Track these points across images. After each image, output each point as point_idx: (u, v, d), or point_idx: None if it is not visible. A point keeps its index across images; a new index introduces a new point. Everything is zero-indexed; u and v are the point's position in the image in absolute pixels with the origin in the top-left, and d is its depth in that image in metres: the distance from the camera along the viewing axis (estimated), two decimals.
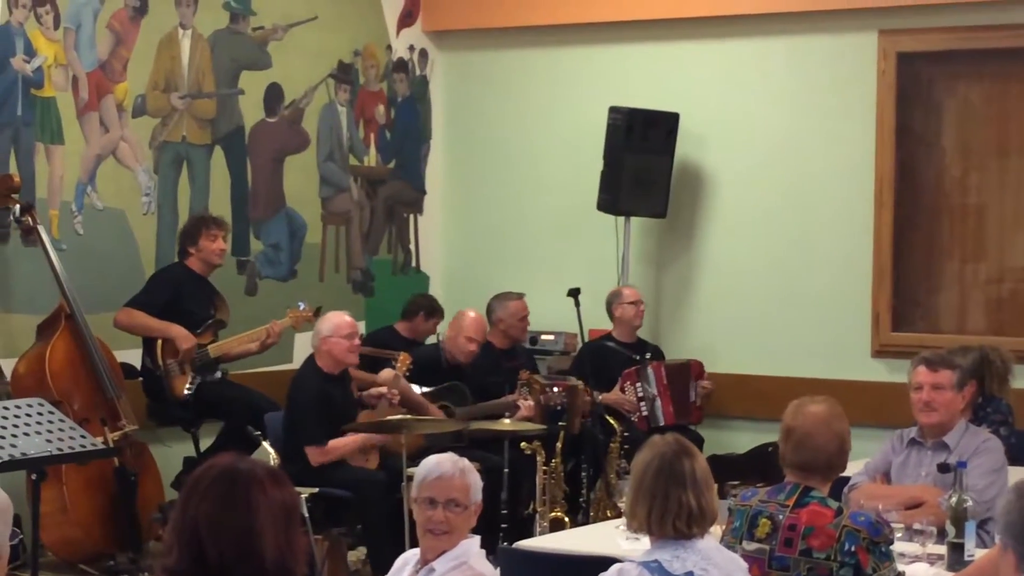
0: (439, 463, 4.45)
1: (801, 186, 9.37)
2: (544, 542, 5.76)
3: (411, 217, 10.38)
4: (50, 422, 5.76)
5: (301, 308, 8.48)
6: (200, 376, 8.01)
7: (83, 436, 5.83)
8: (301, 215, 9.51)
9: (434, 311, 9.28)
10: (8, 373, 7.60)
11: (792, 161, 9.39)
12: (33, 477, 5.67)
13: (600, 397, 8.72)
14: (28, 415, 5.73)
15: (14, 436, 5.54)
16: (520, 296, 9.29)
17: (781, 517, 4.49)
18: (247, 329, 8.43)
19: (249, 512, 3.05)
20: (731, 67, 9.54)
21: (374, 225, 10.06)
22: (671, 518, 4.13)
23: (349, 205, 9.86)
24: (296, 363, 9.20)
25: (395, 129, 10.19)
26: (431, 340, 9.31)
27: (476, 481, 4.45)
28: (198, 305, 8.19)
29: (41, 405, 5.90)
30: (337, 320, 7.83)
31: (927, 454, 5.90)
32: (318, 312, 8.47)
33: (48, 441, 5.64)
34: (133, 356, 8.11)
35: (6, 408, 5.76)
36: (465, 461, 4.47)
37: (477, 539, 4.44)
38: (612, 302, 9.18)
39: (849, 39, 9.20)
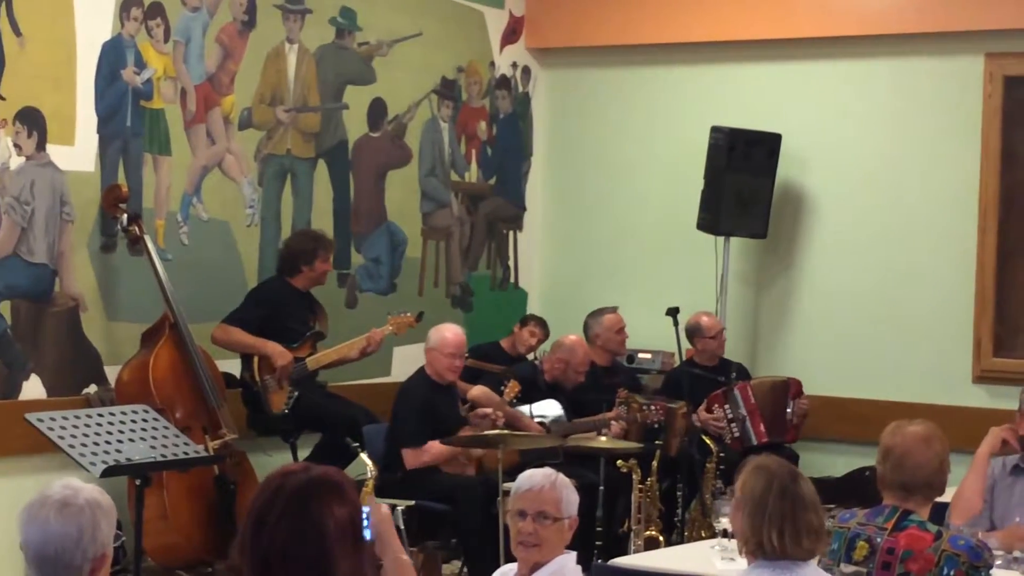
0: (531, 476, 4.47)
1: (903, 209, 9.31)
2: (639, 560, 5.77)
3: (510, 233, 10.42)
4: (155, 428, 5.84)
5: (403, 314, 8.53)
6: (298, 389, 8.08)
7: (186, 444, 5.91)
8: (402, 229, 9.58)
9: (527, 320, 9.35)
10: (112, 380, 7.73)
11: (895, 184, 9.33)
12: (137, 483, 5.74)
13: (700, 419, 8.71)
14: (133, 421, 5.82)
15: (119, 442, 5.63)
16: (614, 309, 9.33)
17: (879, 540, 4.47)
18: (345, 341, 8.49)
19: (321, 539, 3.05)
20: (835, 88, 9.51)
21: (474, 241, 10.11)
22: (802, 539, 4.10)
23: (449, 220, 9.92)
24: (395, 376, 9.31)
25: (496, 145, 10.25)
26: (525, 348, 9.34)
27: (569, 495, 4.46)
28: (297, 320, 8.26)
29: (146, 412, 5.98)
30: (445, 335, 7.90)
31: None
32: (420, 317, 8.53)
33: (152, 447, 5.72)
34: (234, 365, 8.20)
35: (112, 414, 5.85)
36: (560, 475, 4.49)
37: (573, 555, 4.45)
38: (693, 334, 9.16)
39: (955, 62, 9.14)
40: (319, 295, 8.64)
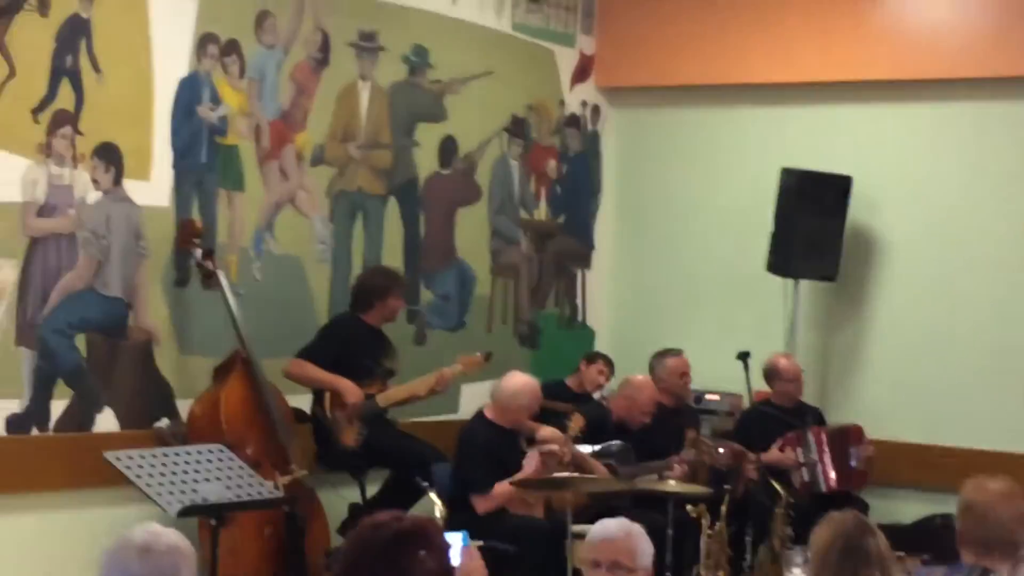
0: (606, 526, 4.46)
1: (976, 253, 9.25)
2: None
3: (579, 271, 10.43)
4: (230, 468, 5.87)
5: (473, 354, 8.55)
6: (368, 426, 8.10)
7: (261, 484, 5.93)
8: (471, 267, 9.60)
9: (593, 357, 9.34)
10: (184, 414, 7.78)
11: (968, 228, 9.28)
12: (212, 523, 5.77)
13: (763, 457, 8.67)
14: (209, 460, 5.85)
15: (195, 481, 5.66)
16: (678, 353, 9.30)
17: None
18: (415, 377, 8.51)
19: None
20: (907, 131, 9.47)
21: (542, 279, 10.12)
22: None
23: (518, 258, 9.93)
24: (462, 413, 9.32)
25: (565, 184, 10.26)
26: (593, 386, 9.33)
27: (644, 546, 4.45)
28: (369, 357, 8.28)
29: (221, 451, 6.01)
30: (520, 386, 7.89)
31: None
32: (489, 357, 8.55)
33: (227, 488, 5.75)
34: (303, 400, 8.23)
35: (188, 453, 5.89)
36: (635, 526, 4.48)
37: None
38: (770, 376, 9.13)
39: None
40: (388, 331, 8.66)
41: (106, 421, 7.58)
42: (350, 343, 8.17)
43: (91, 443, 7.43)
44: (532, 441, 8.16)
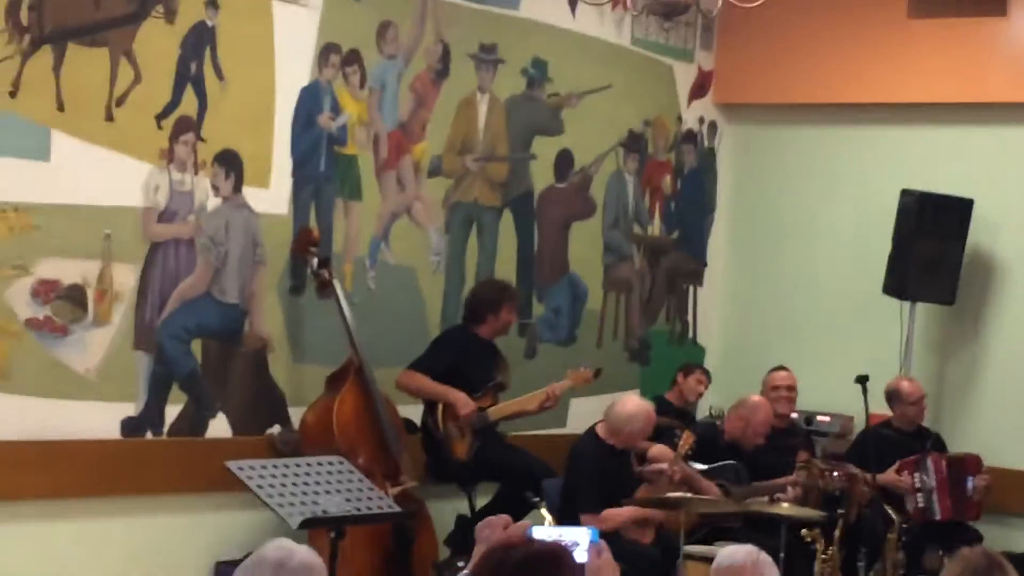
0: (733, 553, 4.40)
1: None
2: None
3: (691, 288, 10.36)
4: (349, 481, 5.88)
5: (582, 369, 8.52)
6: (480, 439, 8.09)
7: (380, 498, 5.93)
8: (584, 281, 9.56)
9: (691, 368, 9.28)
10: (295, 421, 7.81)
11: None
12: (332, 535, 5.77)
13: (878, 477, 8.56)
14: (329, 472, 5.86)
15: (316, 493, 5.68)
16: (781, 367, 9.21)
17: None
18: (525, 390, 8.50)
19: None
20: None
21: (654, 295, 10.06)
22: None
23: (631, 273, 9.89)
24: (570, 428, 9.29)
25: (680, 200, 10.20)
26: (710, 414, 9.26)
27: (772, 574, 4.38)
28: (480, 369, 8.27)
29: (341, 463, 6.02)
30: (636, 410, 7.85)
31: None
32: (598, 374, 8.52)
33: (347, 500, 5.75)
34: (413, 411, 8.23)
35: (308, 464, 5.90)
36: (763, 554, 4.41)
37: None
38: (892, 399, 9.01)
39: None
40: (500, 344, 8.65)
41: (219, 426, 7.64)
42: (462, 355, 8.16)
43: (204, 448, 7.52)
44: (642, 459, 8.10)
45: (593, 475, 7.66)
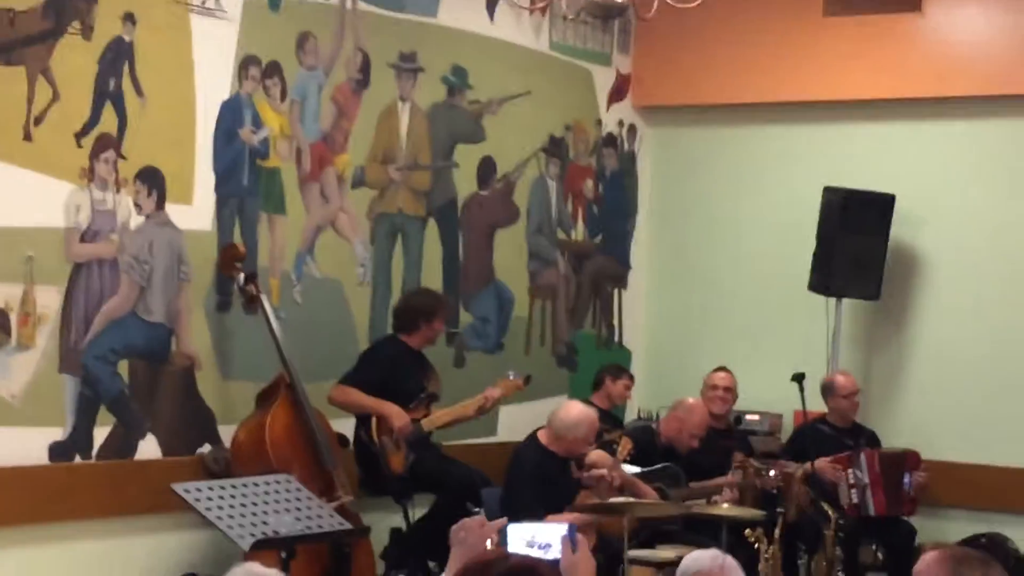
0: (698, 559, 4.37)
1: (1020, 272, 9.16)
2: None
3: (615, 292, 10.34)
4: (297, 499, 5.78)
5: (511, 377, 8.48)
6: (415, 451, 8.01)
7: (331, 515, 5.84)
8: (509, 288, 9.52)
9: (619, 372, 9.26)
10: (226, 439, 7.69)
11: (1012, 247, 9.21)
12: (283, 555, 5.67)
13: (815, 464, 8.57)
14: (276, 491, 5.76)
15: (264, 513, 5.57)
16: (719, 369, 9.23)
17: None
18: (455, 399, 8.44)
19: None
20: (951, 149, 9.39)
21: (580, 299, 10.04)
22: None
23: (556, 279, 9.85)
24: (500, 436, 9.27)
25: (603, 204, 10.18)
26: (640, 418, 9.26)
27: None
28: (412, 380, 8.20)
29: (289, 482, 5.92)
30: (580, 417, 7.81)
31: None
32: (528, 380, 8.49)
33: (297, 519, 5.65)
34: (345, 425, 8.14)
35: (256, 484, 5.79)
36: (729, 558, 4.38)
37: None
38: (827, 392, 9.05)
39: None
40: (428, 354, 8.58)
41: (148, 448, 7.51)
42: (394, 367, 8.08)
43: (134, 470, 7.40)
44: (580, 465, 8.06)
45: (534, 481, 7.61)
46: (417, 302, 8.34)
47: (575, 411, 7.93)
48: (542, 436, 7.89)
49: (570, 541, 3.60)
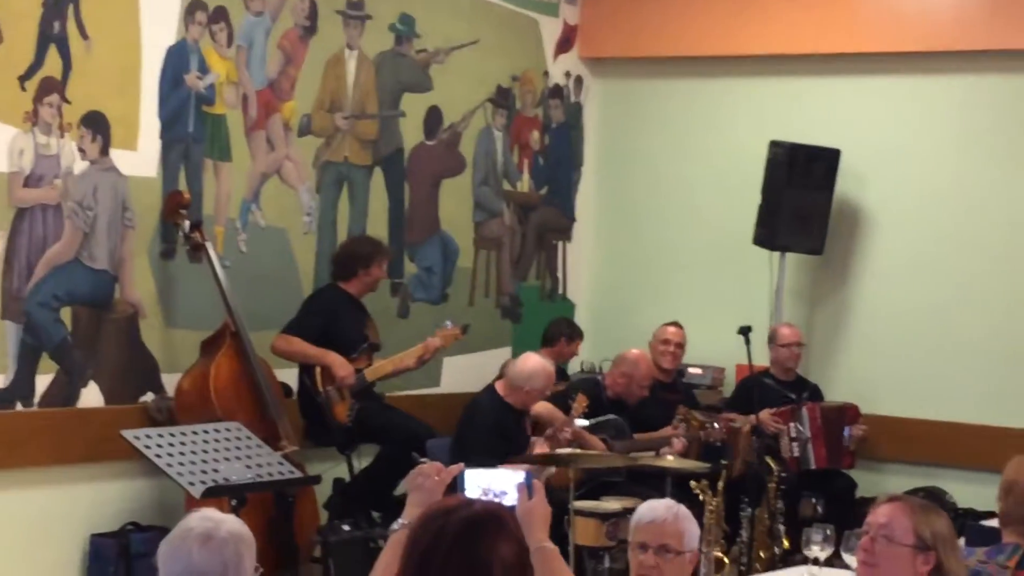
0: (652, 508, 4.37)
1: (964, 229, 9.21)
2: None
3: (560, 244, 10.33)
4: (248, 447, 5.74)
5: (448, 327, 8.47)
6: (359, 401, 7.99)
7: (280, 463, 5.81)
8: (455, 239, 9.48)
9: (575, 335, 9.25)
10: (169, 388, 7.64)
11: (956, 203, 9.24)
12: (233, 503, 5.64)
13: (759, 416, 8.60)
14: (227, 439, 5.72)
15: (215, 461, 5.53)
16: (671, 323, 9.24)
17: None
18: (398, 350, 8.41)
19: None
20: (896, 105, 9.41)
21: (524, 251, 10.01)
22: None
23: (501, 230, 9.82)
24: (444, 387, 9.25)
25: (548, 155, 10.15)
26: (583, 369, 9.26)
27: (691, 528, 4.37)
28: (353, 329, 8.17)
29: (239, 430, 5.88)
30: (536, 369, 7.79)
31: None
32: (466, 330, 8.47)
33: (248, 467, 5.62)
34: (287, 375, 8.10)
35: (206, 432, 5.74)
36: (682, 508, 4.40)
37: None
38: (770, 341, 9.10)
39: (1019, 80, 9.05)
40: (372, 305, 8.56)
41: (91, 396, 7.45)
42: (334, 316, 8.04)
43: (77, 418, 7.34)
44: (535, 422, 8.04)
45: (489, 430, 7.62)
46: (354, 248, 8.29)
47: (532, 362, 7.92)
48: (499, 387, 7.88)
49: (527, 488, 3.59)
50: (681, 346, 9.25)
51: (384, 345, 8.44)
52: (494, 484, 3.56)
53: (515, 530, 3.03)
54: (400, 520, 3.59)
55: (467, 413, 7.90)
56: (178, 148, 7.78)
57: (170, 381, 7.65)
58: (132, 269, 7.58)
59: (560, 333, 9.26)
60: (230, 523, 3.30)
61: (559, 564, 3.57)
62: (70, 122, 7.24)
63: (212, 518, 3.31)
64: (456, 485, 3.56)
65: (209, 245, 7.59)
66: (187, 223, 7.57)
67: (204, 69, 7.87)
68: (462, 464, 3.72)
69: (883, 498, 4.15)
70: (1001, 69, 9.09)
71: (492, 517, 3.02)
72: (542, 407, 8.10)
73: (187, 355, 7.70)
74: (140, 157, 7.59)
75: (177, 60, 7.74)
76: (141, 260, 7.64)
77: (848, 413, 9.09)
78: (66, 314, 7.30)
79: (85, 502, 7.42)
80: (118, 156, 7.48)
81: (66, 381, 7.30)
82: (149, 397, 7.64)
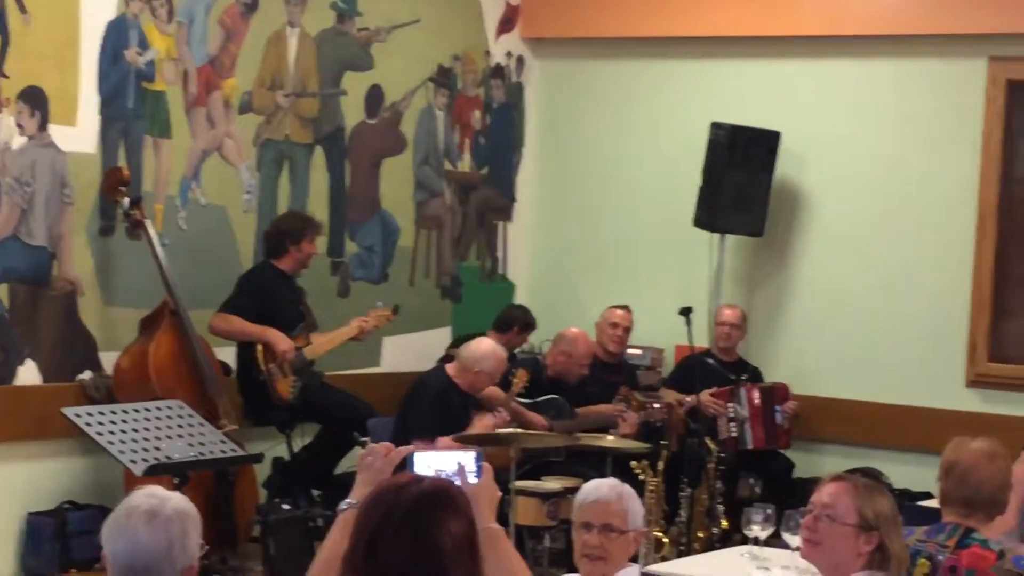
0: (597, 487, 4.38)
1: (901, 211, 9.26)
2: (677, 568, 5.69)
3: (500, 224, 10.32)
4: (190, 425, 5.71)
5: (380, 306, 8.47)
6: (301, 378, 7.96)
7: (223, 441, 5.78)
8: (395, 218, 9.46)
9: (529, 325, 9.21)
10: (108, 366, 7.58)
11: (894, 185, 9.29)
12: (175, 481, 5.60)
13: (699, 397, 8.63)
14: (169, 417, 5.68)
15: (157, 439, 5.50)
16: (620, 306, 9.25)
17: (941, 558, 4.40)
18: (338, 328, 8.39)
19: (439, 558, 2.94)
20: (836, 88, 9.45)
21: (465, 231, 10.00)
22: None
23: (442, 210, 9.81)
24: (384, 366, 9.25)
25: (489, 135, 10.13)
26: (523, 349, 9.27)
27: (635, 507, 4.38)
28: (289, 306, 8.15)
29: (180, 407, 5.85)
30: (487, 353, 7.79)
31: None
32: (396, 310, 8.48)
33: (190, 445, 5.59)
34: (227, 354, 8.06)
35: (147, 409, 5.71)
36: (627, 487, 4.41)
37: (636, 568, 4.37)
38: (714, 319, 9.14)
39: (958, 65, 9.10)
40: (313, 284, 8.53)
41: (28, 373, 7.39)
42: (268, 292, 8.00)
43: (13, 396, 7.28)
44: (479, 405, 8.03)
45: (435, 406, 7.63)
46: (284, 225, 8.24)
47: (485, 346, 7.91)
48: (450, 369, 7.87)
49: (477, 468, 3.59)
50: (628, 330, 9.26)
51: (325, 324, 8.42)
52: (444, 465, 3.55)
53: (465, 507, 3.02)
54: (348, 499, 3.58)
55: (413, 390, 7.90)
56: (118, 124, 7.72)
57: (108, 359, 7.60)
58: (70, 246, 7.53)
59: (515, 321, 9.17)
60: (176, 500, 3.28)
61: (505, 545, 3.57)
62: (8, 97, 7.18)
63: (157, 495, 3.29)
64: (406, 466, 3.54)
65: (148, 222, 7.54)
66: (126, 200, 7.52)
67: (144, 45, 7.81)
68: (413, 446, 3.71)
69: (828, 477, 4.18)
70: (938, 53, 9.15)
71: (442, 494, 3.01)
72: (488, 389, 8.10)
73: (126, 333, 7.65)
74: (79, 133, 7.53)
75: (117, 35, 7.67)
76: (80, 237, 7.58)
77: (778, 392, 9.14)
78: (3, 291, 7.25)
79: (21, 480, 7.36)
80: (57, 132, 7.43)
81: (3, 358, 7.25)
82: (87, 375, 7.59)
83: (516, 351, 9.53)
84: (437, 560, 2.91)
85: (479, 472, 3.55)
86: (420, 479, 3.06)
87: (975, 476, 4.46)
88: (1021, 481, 5.61)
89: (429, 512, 2.96)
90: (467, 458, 3.57)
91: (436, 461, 3.55)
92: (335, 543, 3.42)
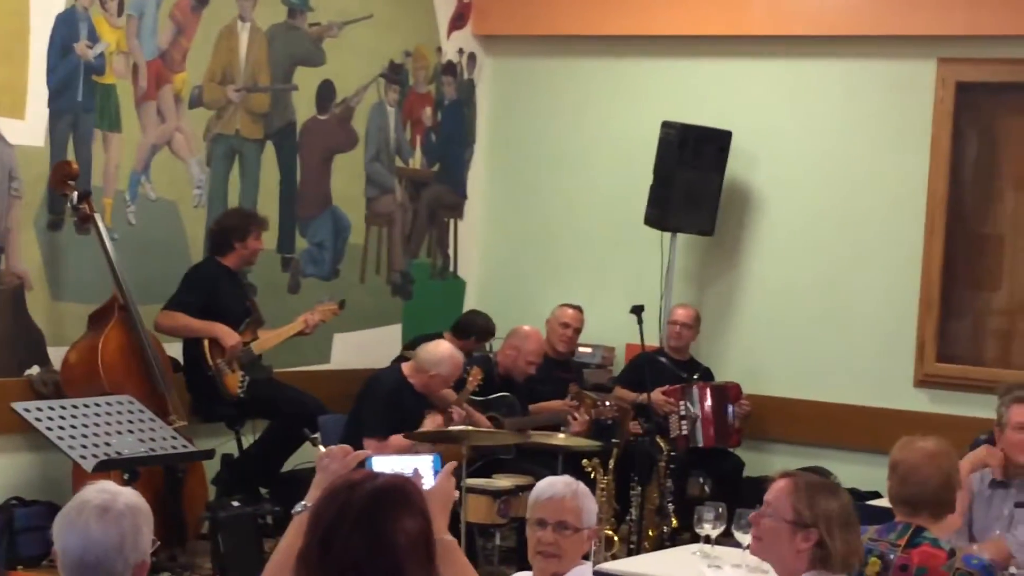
0: (551, 484, 4.37)
1: (851, 210, 9.30)
2: (629, 567, 5.69)
3: (451, 221, 10.30)
4: (140, 421, 5.67)
5: (326, 301, 8.46)
6: (249, 373, 7.92)
7: (173, 437, 5.74)
8: (346, 215, 9.42)
9: (488, 334, 9.15)
10: (55, 362, 7.53)
11: (843, 185, 9.33)
12: (125, 477, 5.56)
13: (650, 395, 8.64)
14: (119, 412, 5.64)
15: (107, 434, 5.45)
16: (571, 305, 9.23)
17: (892, 557, 4.41)
18: (286, 324, 8.36)
19: (393, 554, 2.91)
20: (786, 88, 9.48)
21: (416, 228, 9.97)
22: None
23: (393, 207, 9.78)
24: (333, 363, 9.21)
25: (441, 132, 10.11)
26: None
27: (589, 505, 4.37)
28: (235, 301, 8.12)
29: (131, 403, 5.81)
30: (445, 356, 7.75)
31: (1011, 493, 5.85)
32: (342, 305, 8.47)
33: (141, 441, 5.54)
34: (174, 350, 8.01)
35: (97, 404, 5.66)
36: (581, 485, 4.40)
37: (589, 565, 4.37)
38: (666, 318, 9.16)
39: (907, 66, 9.14)
40: (263, 280, 8.49)
41: None
42: (215, 288, 7.97)
43: None
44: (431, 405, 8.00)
45: (388, 404, 7.59)
46: (228, 222, 8.21)
47: (442, 349, 7.86)
48: (406, 368, 7.84)
49: (432, 471, 3.58)
50: (578, 331, 9.23)
51: (275, 320, 8.40)
52: (402, 469, 3.53)
53: (420, 504, 3.00)
54: (303, 502, 3.56)
55: (367, 386, 7.86)
56: (66, 118, 7.67)
57: (56, 354, 7.55)
58: (18, 240, 7.47)
59: (475, 330, 9.06)
60: (127, 495, 3.25)
61: (459, 556, 3.56)
62: None
63: (109, 490, 3.26)
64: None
65: (98, 216, 7.49)
66: (75, 194, 7.47)
67: (94, 38, 7.76)
68: (370, 451, 3.69)
69: (779, 474, 4.19)
70: (888, 54, 9.19)
71: (397, 491, 2.99)
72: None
73: (74, 328, 7.61)
74: (27, 126, 7.49)
75: (66, 28, 7.62)
76: (28, 231, 7.52)
77: (731, 391, 9.16)
78: None
79: None
80: (5, 125, 7.39)
81: None
82: (34, 370, 7.53)
83: None
84: (392, 556, 2.88)
85: (436, 477, 3.54)
86: (375, 475, 3.04)
87: (917, 476, 4.48)
88: (964, 479, 5.66)
89: (384, 508, 2.93)
90: (424, 463, 3.55)
91: (395, 465, 3.54)
92: (289, 545, 3.40)
